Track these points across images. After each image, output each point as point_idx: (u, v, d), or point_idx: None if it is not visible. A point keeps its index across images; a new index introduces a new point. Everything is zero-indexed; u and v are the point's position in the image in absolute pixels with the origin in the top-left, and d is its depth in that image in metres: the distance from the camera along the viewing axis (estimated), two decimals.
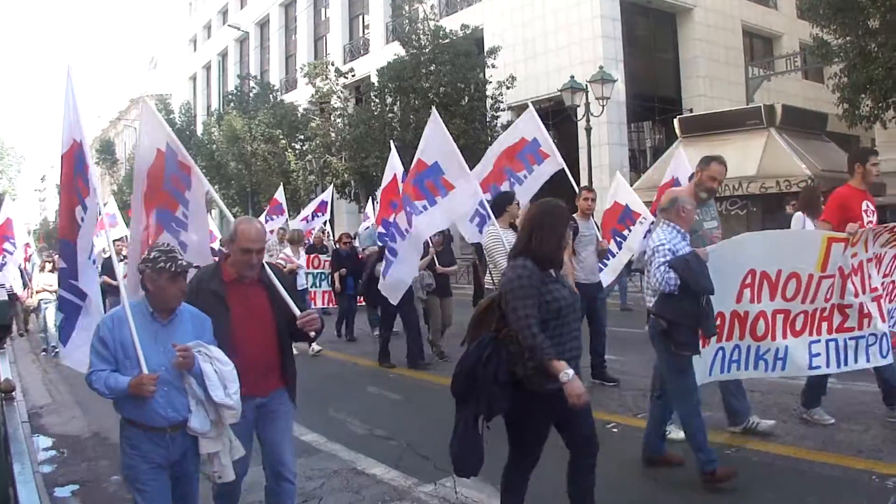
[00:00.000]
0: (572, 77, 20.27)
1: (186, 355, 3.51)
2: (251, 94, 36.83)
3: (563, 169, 8.81)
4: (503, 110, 24.83)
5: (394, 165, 10.50)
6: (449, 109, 23.77)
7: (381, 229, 9.75)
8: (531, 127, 8.95)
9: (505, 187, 8.73)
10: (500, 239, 7.24)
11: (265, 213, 17.57)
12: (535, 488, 4.10)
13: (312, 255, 13.02)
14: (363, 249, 13.88)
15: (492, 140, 25.56)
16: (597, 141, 21.84)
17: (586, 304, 7.37)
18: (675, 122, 21.41)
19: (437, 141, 8.15)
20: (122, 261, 13.73)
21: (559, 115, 22.74)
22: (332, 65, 29.69)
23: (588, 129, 20.08)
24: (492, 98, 24.48)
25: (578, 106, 20.20)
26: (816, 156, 18.77)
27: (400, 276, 8.82)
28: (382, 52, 29.74)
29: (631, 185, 20.70)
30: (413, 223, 8.17)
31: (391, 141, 14.05)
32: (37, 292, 13.63)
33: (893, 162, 18.37)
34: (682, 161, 9.62)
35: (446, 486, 5.18)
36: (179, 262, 3.59)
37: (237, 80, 42.53)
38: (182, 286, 3.61)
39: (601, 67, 20.57)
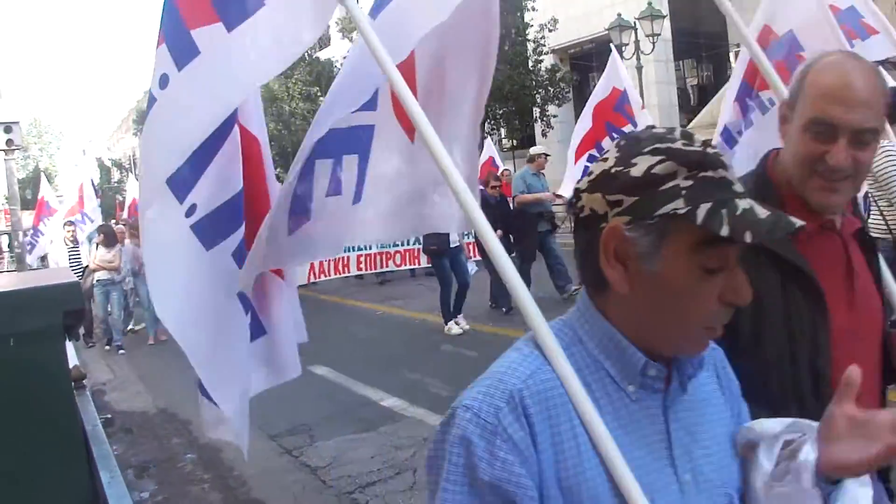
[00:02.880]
0: (619, 15, 19.50)
1: None
2: None
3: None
4: (546, 54, 24.02)
5: (619, 76, 8.40)
6: None
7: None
8: None
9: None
10: None
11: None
12: None
13: None
14: (513, 197, 10.65)
15: (536, 85, 24.94)
16: (644, 80, 21.02)
17: None
18: (734, 56, 20.39)
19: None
20: None
21: (602, 57, 21.82)
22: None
23: (639, 68, 19.32)
24: (534, 42, 23.65)
25: (628, 45, 19.35)
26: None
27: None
28: None
29: (687, 125, 20.08)
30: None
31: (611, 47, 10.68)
32: (93, 271, 11.07)
33: None
34: None
35: None
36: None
37: None
38: None
39: (650, 3, 19.59)
